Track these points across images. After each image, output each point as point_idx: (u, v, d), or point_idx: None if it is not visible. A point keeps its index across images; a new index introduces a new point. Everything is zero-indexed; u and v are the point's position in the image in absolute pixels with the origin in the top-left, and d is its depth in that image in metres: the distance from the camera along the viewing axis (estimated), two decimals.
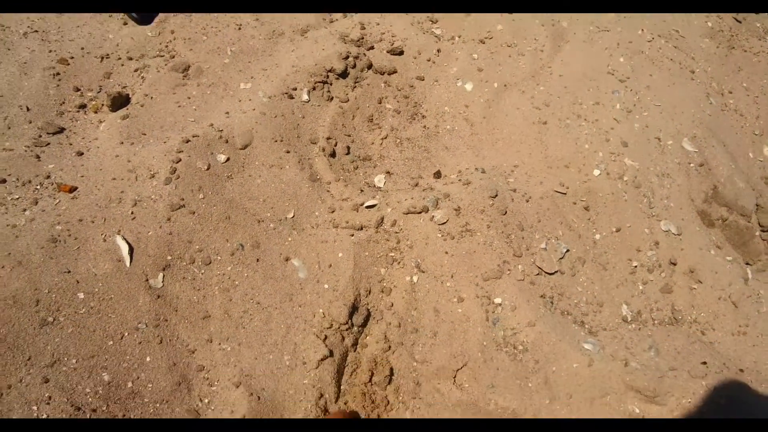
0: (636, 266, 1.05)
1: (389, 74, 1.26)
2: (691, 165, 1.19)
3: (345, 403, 0.88)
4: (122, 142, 1.06)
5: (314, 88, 1.19)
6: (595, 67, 1.31)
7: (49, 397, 0.75)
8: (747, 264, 1.12)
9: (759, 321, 1.02)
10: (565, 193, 1.07)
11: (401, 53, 1.30)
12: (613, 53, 1.35)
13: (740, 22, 1.58)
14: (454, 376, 0.89)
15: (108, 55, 1.23)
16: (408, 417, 0.87)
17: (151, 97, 1.16)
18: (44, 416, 0.78)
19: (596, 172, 1.12)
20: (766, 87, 1.45)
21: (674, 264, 1.06)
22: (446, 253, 0.96)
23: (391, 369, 0.88)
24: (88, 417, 0.79)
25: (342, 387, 0.89)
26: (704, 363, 0.92)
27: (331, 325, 0.92)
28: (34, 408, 0.75)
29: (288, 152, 1.09)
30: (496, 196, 1.01)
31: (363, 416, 0.85)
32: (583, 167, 1.14)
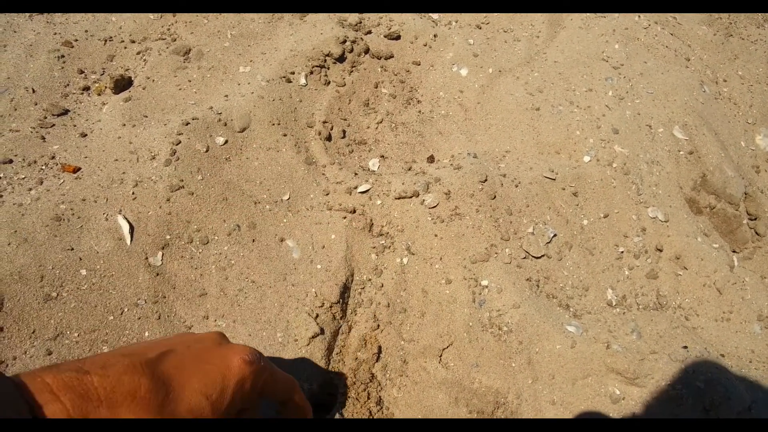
0: (622, 252, 1.07)
1: (386, 59, 1.28)
2: (681, 153, 1.20)
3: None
4: (124, 124, 1.09)
5: (311, 72, 1.21)
6: (590, 54, 1.32)
7: None
8: (734, 252, 1.14)
9: (743, 308, 1.04)
10: (554, 179, 1.08)
11: (398, 38, 1.31)
12: (608, 39, 1.35)
13: None
14: (440, 355, 0.92)
15: (111, 38, 1.25)
16: (395, 394, 0.90)
17: (153, 80, 1.18)
18: None
19: (586, 158, 1.13)
20: (762, 75, 1.44)
21: (660, 250, 1.08)
22: (436, 236, 0.98)
23: (379, 347, 0.91)
24: None
25: (331, 364, 0.93)
26: (685, 347, 0.94)
27: (323, 304, 0.95)
28: None
29: (285, 135, 1.11)
30: (486, 180, 1.03)
31: (351, 392, 0.89)
32: (573, 153, 1.15)
